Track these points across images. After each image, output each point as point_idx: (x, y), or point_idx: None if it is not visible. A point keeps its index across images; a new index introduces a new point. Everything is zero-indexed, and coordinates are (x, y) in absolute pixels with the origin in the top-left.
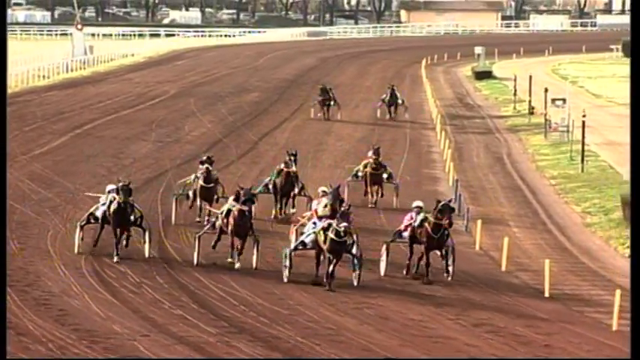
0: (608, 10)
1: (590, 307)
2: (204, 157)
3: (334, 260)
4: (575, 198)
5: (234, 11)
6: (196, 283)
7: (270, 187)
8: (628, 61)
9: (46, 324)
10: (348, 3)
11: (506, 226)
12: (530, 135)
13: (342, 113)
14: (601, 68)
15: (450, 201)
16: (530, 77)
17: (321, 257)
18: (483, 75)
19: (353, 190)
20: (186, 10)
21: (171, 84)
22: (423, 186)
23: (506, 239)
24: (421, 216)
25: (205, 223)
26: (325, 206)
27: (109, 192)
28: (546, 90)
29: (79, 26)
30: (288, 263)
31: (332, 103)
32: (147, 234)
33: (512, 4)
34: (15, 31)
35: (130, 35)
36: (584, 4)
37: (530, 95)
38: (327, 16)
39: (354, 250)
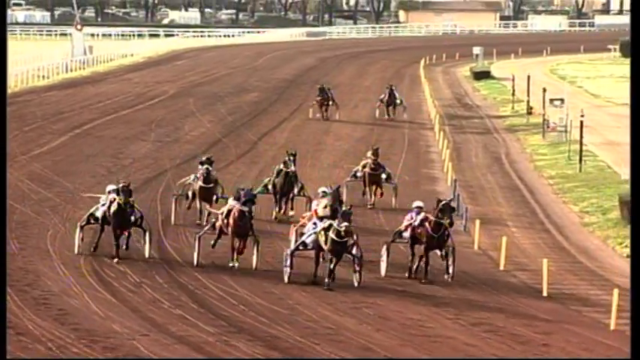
0: (606, 10)
1: (588, 307)
2: (204, 158)
3: (335, 260)
4: (573, 198)
5: (234, 11)
6: (195, 283)
7: (270, 187)
8: (626, 61)
9: (46, 323)
10: (347, 3)
11: (504, 226)
12: (529, 135)
13: (341, 113)
14: (599, 68)
15: (450, 200)
16: (529, 77)
17: (320, 257)
18: (482, 75)
19: (352, 190)
20: (186, 10)
21: (171, 84)
22: (421, 186)
23: (505, 239)
24: (421, 216)
25: (204, 224)
26: (325, 207)
27: (109, 192)
28: (544, 90)
29: (79, 26)
30: (289, 264)
31: (330, 103)
32: (147, 234)
33: (511, 4)
34: (15, 31)
35: (130, 35)
36: (582, 5)
37: (528, 95)
38: (326, 16)
39: (354, 251)
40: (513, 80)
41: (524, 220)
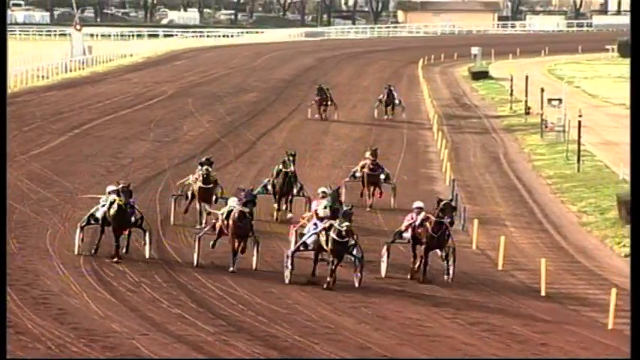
0: (603, 10)
1: (586, 306)
2: (204, 159)
3: (336, 261)
4: (571, 197)
5: (233, 12)
6: (195, 283)
7: (270, 187)
8: (624, 61)
9: (45, 323)
10: (346, 3)
11: (502, 226)
12: (527, 135)
13: (340, 113)
14: (597, 68)
15: (451, 200)
16: (527, 77)
17: (319, 257)
18: (480, 75)
19: (351, 190)
20: (185, 10)
21: (170, 84)
22: (420, 186)
23: (503, 238)
24: (422, 216)
25: (203, 225)
26: (325, 207)
27: (109, 193)
28: (542, 90)
29: (78, 27)
30: (289, 264)
31: (329, 103)
32: (147, 235)
33: (509, 4)
34: (14, 31)
35: (129, 36)
36: (580, 5)
37: (526, 95)
38: (325, 16)
39: (355, 251)
40: (511, 80)
41: (522, 220)
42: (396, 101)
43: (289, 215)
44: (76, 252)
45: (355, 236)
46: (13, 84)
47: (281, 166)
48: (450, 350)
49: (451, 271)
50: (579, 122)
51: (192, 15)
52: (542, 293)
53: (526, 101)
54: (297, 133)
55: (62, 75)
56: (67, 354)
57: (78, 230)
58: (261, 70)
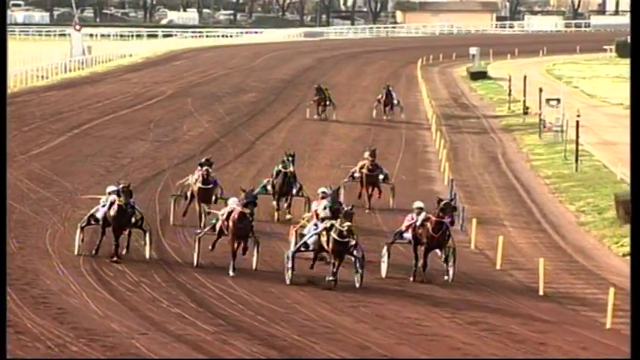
0: (601, 10)
1: (584, 306)
2: (204, 160)
3: (337, 262)
4: (569, 197)
5: (232, 12)
6: (194, 282)
7: (269, 188)
8: (621, 61)
9: (45, 322)
10: (345, 4)
11: (501, 225)
12: (525, 135)
13: (339, 113)
14: (595, 68)
15: (451, 200)
16: (525, 77)
17: (318, 257)
18: (478, 75)
19: (350, 190)
20: (184, 10)
21: (169, 84)
22: (418, 185)
23: (501, 238)
24: (422, 216)
25: (202, 226)
26: (325, 208)
27: (109, 193)
28: (541, 90)
29: (78, 27)
30: (290, 265)
31: (328, 103)
32: (147, 235)
33: (507, 4)
34: (14, 31)
35: (128, 36)
36: (578, 5)
37: (524, 95)
38: (324, 16)
39: (355, 252)
40: (510, 80)
41: (520, 220)
42: (395, 101)
43: (288, 216)
44: (76, 252)
45: (356, 236)
46: (13, 84)
47: (280, 167)
48: (449, 350)
49: (451, 272)
50: (577, 122)
51: (191, 15)
52: (541, 293)
53: (524, 101)
54: (296, 133)
55: (62, 75)
56: (66, 353)
57: (78, 231)
58: (260, 70)
